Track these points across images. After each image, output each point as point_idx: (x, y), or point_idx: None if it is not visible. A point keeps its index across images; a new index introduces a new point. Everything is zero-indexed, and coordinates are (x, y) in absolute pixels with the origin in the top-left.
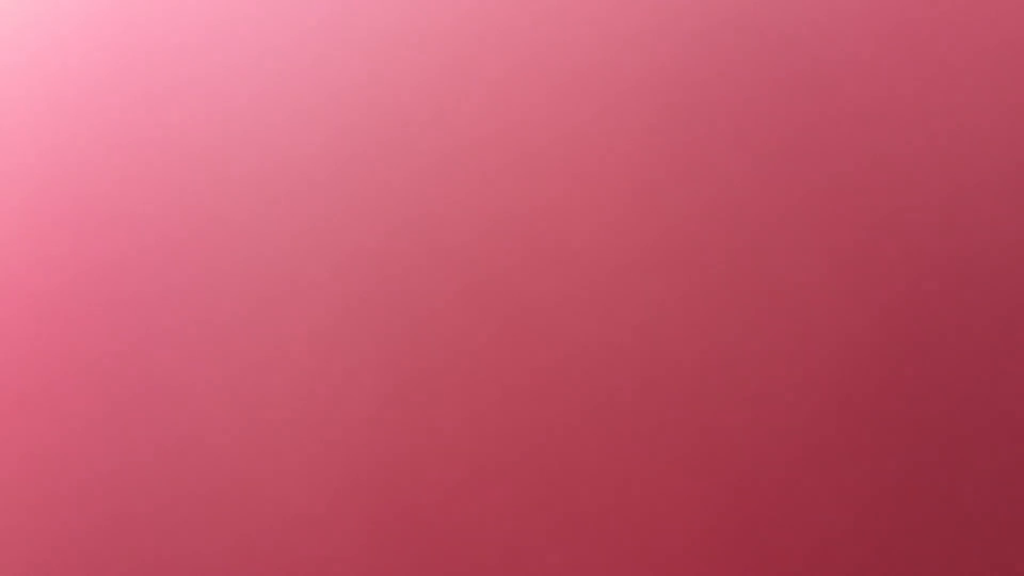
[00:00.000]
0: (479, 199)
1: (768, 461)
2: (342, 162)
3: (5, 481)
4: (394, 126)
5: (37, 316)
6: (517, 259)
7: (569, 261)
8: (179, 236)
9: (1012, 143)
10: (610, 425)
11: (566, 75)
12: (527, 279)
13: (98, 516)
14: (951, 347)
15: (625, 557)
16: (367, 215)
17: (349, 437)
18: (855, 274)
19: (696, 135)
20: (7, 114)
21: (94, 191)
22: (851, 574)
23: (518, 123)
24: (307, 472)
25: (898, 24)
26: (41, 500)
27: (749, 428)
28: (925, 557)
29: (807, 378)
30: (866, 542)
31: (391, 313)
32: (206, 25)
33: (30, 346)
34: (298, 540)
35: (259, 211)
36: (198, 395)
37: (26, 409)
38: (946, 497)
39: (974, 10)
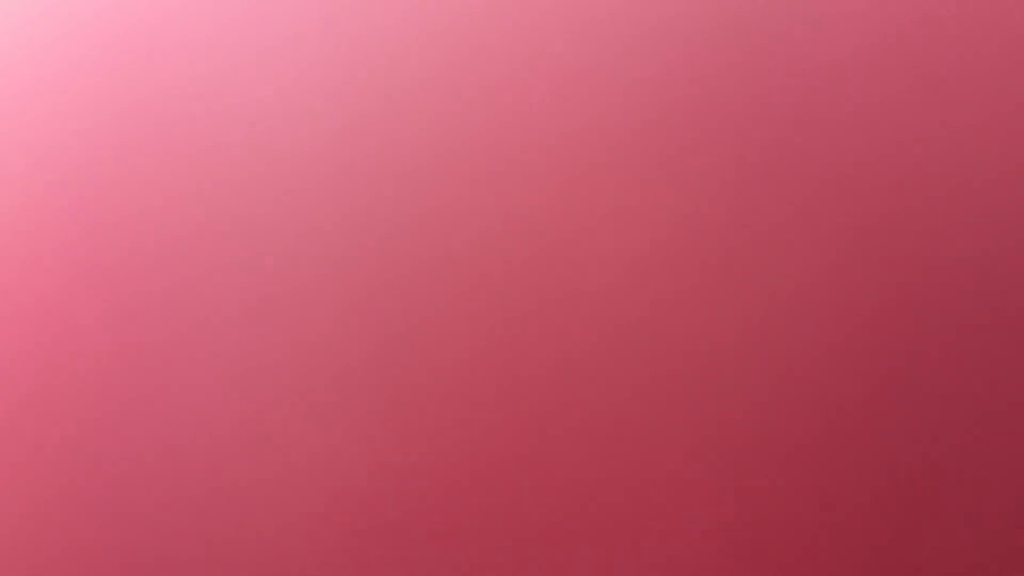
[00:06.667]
0: (478, 200)
1: (769, 461)
2: (341, 163)
3: (5, 481)
4: (395, 127)
5: (37, 316)
6: (516, 260)
7: (568, 262)
8: (179, 236)
9: (1012, 143)
10: (610, 426)
11: (565, 76)
12: (527, 280)
13: (97, 516)
14: (951, 346)
15: (625, 557)
16: (367, 216)
17: (347, 437)
18: (856, 274)
19: (695, 136)
20: (8, 114)
21: (94, 191)
22: (852, 573)
23: (518, 124)
24: (305, 472)
25: (898, 25)
26: (41, 500)
27: (749, 428)
28: (925, 556)
29: (808, 377)
30: (867, 541)
31: (391, 314)
32: (206, 25)
33: (30, 346)
34: (296, 540)
35: (259, 211)
36: (197, 395)
37: (26, 409)
38: (947, 496)
39: (974, 10)
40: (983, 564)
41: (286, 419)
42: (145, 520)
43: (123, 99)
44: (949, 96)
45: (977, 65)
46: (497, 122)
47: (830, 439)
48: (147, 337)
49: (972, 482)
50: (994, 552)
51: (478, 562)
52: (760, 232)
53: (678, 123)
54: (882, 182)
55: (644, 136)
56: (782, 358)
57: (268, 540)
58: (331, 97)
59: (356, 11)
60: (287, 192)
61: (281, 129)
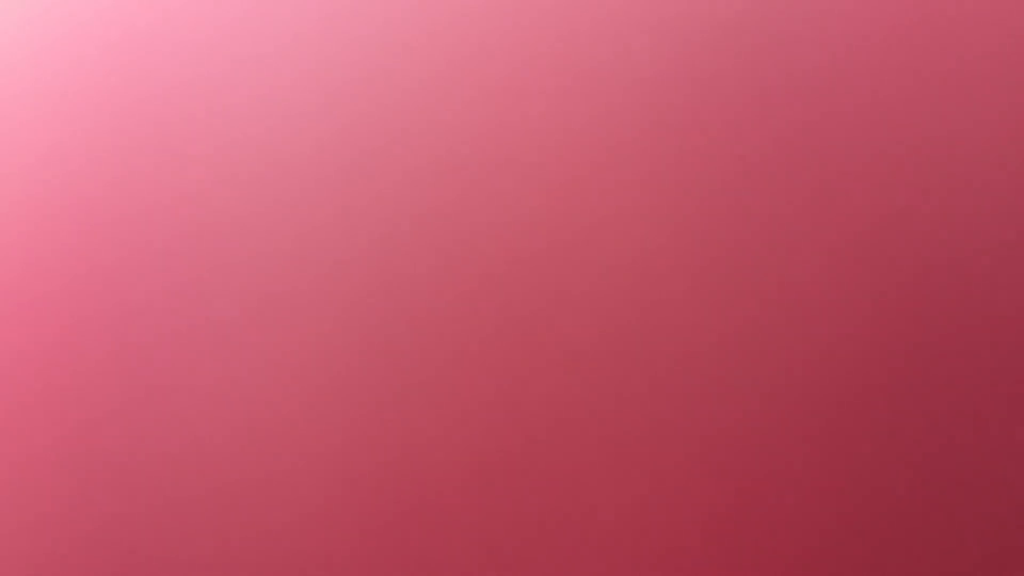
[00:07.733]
0: (478, 200)
1: (769, 461)
2: (342, 163)
3: (5, 481)
4: (395, 127)
5: (38, 316)
6: (517, 259)
7: (568, 262)
8: (179, 236)
9: (1012, 143)
10: (610, 425)
11: (566, 75)
12: (527, 280)
13: (98, 516)
14: (952, 346)
15: (626, 557)
16: (368, 216)
17: (348, 437)
18: (856, 273)
19: (695, 136)
20: (9, 114)
21: (95, 191)
22: (852, 573)
23: (518, 124)
24: (306, 472)
25: (898, 25)
26: (41, 500)
27: (750, 427)
28: (925, 556)
29: (808, 377)
30: (867, 541)
31: (392, 313)
32: (206, 25)
33: (30, 346)
34: (296, 540)
35: (259, 211)
36: (198, 395)
37: (27, 409)
38: (948, 496)
39: (973, 11)
40: (983, 564)
41: (287, 418)
42: (145, 520)
43: (123, 99)
44: (949, 96)
45: (977, 65)
46: (497, 122)
47: (831, 439)
48: (148, 337)
49: (973, 482)
50: (994, 552)
51: (478, 562)
52: (761, 232)
53: (679, 123)
54: (883, 182)
55: (644, 136)
56: (783, 357)
57: (268, 540)
58: (331, 97)
59: (356, 11)
60: (287, 192)
61: (281, 129)
